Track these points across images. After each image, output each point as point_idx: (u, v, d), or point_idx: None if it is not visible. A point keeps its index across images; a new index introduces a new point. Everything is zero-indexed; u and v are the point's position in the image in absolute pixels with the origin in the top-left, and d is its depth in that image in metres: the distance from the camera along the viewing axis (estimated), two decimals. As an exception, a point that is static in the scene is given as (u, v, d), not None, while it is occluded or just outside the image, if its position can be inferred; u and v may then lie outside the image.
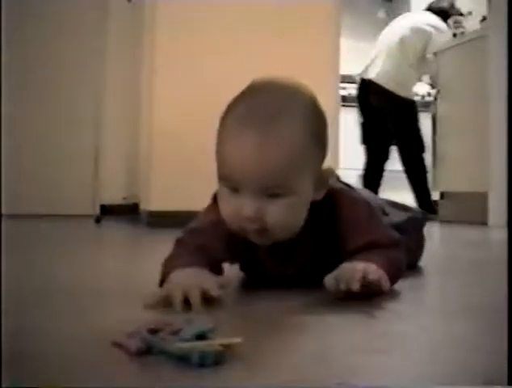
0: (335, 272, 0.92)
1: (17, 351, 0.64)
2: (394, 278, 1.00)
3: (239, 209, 0.92)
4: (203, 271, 0.93)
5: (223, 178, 0.94)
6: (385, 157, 4.37)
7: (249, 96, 0.95)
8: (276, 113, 0.91)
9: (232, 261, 1.12)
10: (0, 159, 3.28)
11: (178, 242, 1.05)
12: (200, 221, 1.07)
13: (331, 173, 1.02)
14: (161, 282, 0.96)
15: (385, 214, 1.27)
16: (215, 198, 1.03)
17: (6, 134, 3.76)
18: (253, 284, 1.15)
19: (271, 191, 0.91)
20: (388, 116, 4.25)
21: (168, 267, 0.97)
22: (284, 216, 0.92)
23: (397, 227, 1.17)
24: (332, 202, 1.03)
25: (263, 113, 0.91)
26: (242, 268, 1.18)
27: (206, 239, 1.02)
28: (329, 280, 0.91)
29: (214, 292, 0.86)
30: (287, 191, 0.92)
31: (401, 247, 1.06)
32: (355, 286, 0.87)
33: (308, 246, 1.05)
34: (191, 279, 0.89)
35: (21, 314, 0.86)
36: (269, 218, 0.92)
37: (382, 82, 4.20)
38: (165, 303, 0.86)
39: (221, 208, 0.96)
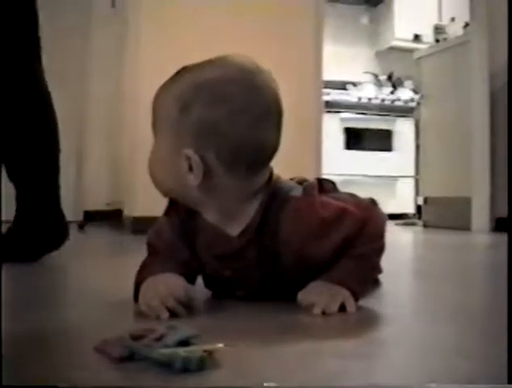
0: (306, 290, 0.94)
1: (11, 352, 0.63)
2: (371, 272, 1.01)
3: None
4: (171, 276, 0.93)
5: None
6: None
7: None
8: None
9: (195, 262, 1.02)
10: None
11: (149, 249, 1.03)
12: (163, 222, 1.03)
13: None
14: (135, 294, 0.94)
15: None
16: (171, 201, 1.01)
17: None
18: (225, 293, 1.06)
19: None
20: None
21: (139, 278, 0.96)
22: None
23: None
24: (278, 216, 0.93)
25: None
26: (206, 285, 1.08)
27: (172, 239, 1.00)
28: (300, 296, 0.94)
29: (184, 299, 0.87)
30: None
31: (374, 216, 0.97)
32: (316, 311, 0.90)
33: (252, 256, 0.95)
34: (161, 287, 0.89)
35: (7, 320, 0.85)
36: None
37: None
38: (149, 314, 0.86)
39: None
